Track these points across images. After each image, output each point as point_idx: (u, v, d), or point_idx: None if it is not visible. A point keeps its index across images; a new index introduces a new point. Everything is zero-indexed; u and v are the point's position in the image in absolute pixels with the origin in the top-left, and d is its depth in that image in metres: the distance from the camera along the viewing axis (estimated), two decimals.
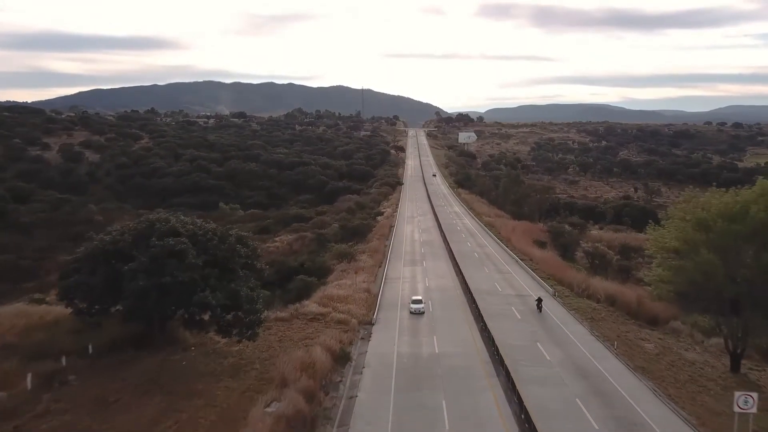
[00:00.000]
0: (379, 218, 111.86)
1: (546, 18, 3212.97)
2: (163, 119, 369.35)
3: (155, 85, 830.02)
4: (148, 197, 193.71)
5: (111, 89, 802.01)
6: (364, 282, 58.25)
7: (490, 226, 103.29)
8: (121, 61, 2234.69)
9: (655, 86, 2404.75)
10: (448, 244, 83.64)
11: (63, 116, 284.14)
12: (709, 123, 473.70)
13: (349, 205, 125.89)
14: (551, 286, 59.28)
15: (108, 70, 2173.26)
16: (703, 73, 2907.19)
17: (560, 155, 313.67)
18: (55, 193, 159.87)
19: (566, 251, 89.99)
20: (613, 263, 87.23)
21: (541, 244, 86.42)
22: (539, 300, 50.94)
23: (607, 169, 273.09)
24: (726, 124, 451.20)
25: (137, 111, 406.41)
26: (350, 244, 79.42)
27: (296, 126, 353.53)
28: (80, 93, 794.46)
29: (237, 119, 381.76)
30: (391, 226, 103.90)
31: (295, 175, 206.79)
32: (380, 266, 69.62)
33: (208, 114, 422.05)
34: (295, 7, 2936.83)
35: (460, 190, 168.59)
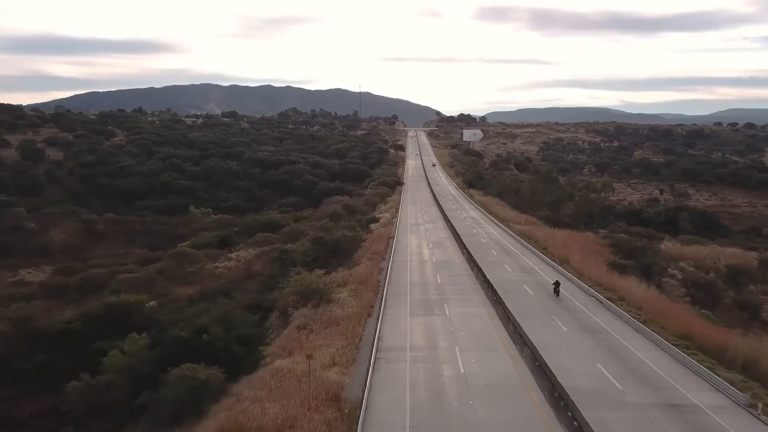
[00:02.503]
0: (373, 226, 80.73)
1: (544, 21, 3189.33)
2: (150, 118, 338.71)
3: (151, 88, 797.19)
4: (111, 199, 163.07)
5: (106, 92, 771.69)
6: (330, 370, 27.10)
7: (527, 238, 72.06)
8: (118, 65, 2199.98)
9: (653, 90, 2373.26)
10: (479, 268, 52.41)
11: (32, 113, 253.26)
12: (719, 124, 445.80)
13: (335, 209, 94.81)
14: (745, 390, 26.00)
15: (106, 73, 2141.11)
16: (701, 76, 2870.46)
17: (571, 155, 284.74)
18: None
19: (649, 276, 58.71)
20: (722, 296, 56.34)
21: (619, 268, 55.16)
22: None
23: (626, 169, 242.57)
24: (737, 125, 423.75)
25: (123, 110, 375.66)
26: (324, 271, 48.04)
27: (289, 125, 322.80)
28: (76, 96, 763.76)
29: (227, 118, 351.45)
30: (390, 238, 72.83)
31: (280, 175, 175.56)
32: (368, 316, 38.34)
33: (198, 114, 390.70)
34: (293, 10, 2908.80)
35: (472, 191, 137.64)
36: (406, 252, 64.17)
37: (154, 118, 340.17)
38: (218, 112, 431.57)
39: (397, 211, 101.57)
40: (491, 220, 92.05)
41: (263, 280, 52.18)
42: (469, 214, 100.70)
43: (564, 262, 56.43)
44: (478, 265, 52.88)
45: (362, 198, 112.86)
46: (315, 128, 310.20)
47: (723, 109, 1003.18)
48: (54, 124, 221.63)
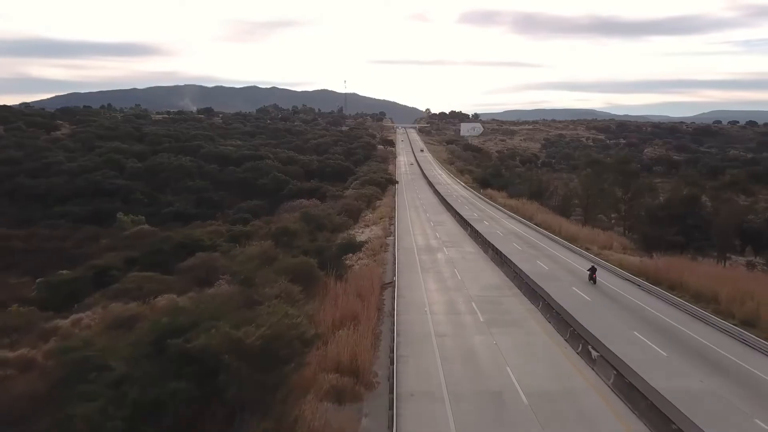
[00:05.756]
0: (352, 259, 41.65)
1: (530, 25, 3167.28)
2: (115, 114, 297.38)
3: (134, 89, 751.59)
4: (27, 203, 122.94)
5: (87, 93, 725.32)
6: None
7: (671, 289, 33.54)
8: (108, 68, 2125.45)
9: (639, 92, 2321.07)
10: None
11: None
12: (718, 122, 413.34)
13: (289, 221, 55.52)
14: None
15: (93, 76, 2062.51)
16: (685, 79, 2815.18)
17: (578, 152, 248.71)
18: None
19: None
20: None
21: None
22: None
23: (645, 167, 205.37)
24: (738, 122, 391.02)
25: (90, 106, 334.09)
26: None
27: (267, 120, 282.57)
28: (57, 97, 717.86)
29: (202, 115, 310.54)
30: (384, 286, 34.40)
31: (242, 173, 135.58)
32: None
33: (170, 111, 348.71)
34: (280, 14, 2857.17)
35: (489, 191, 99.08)
36: (429, 346, 25.45)
37: (120, 114, 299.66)
38: (193, 109, 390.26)
39: (392, 223, 62.80)
40: (553, 240, 53.33)
41: None
42: (505, 227, 61.96)
43: None
44: None
45: (340, 202, 74.01)
46: (295, 124, 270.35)
47: (706, 111, 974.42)
48: None
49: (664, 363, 22.86)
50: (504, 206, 79.36)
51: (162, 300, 37.84)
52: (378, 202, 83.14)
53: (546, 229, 58.74)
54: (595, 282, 36.86)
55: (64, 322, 36.65)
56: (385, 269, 40.39)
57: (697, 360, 23.43)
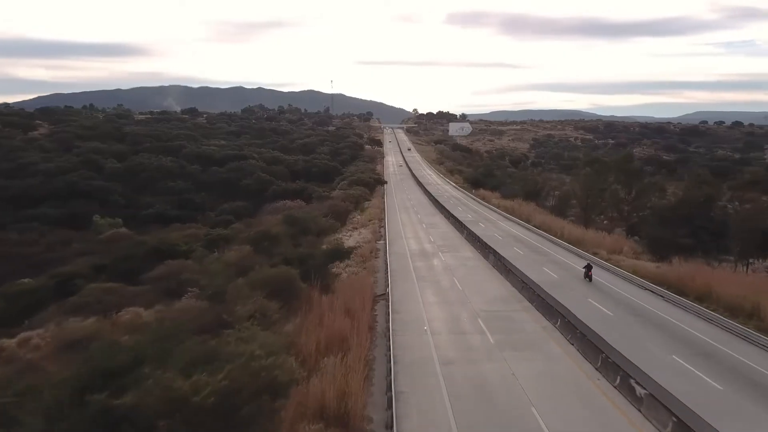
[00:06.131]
0: (340, 267, 37.17)
1: (517, 26, 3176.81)
2: (97, 114, 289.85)
3: (118, 90, 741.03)
4: (1, 205, 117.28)
5: (71, 94, 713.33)
6: None
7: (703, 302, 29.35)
8: (90, 68, 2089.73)
9: (624, 93, 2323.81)
10: None
11: None
12: (704, 122, 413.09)
13: (271, 224, 50.91)
14: None
15: (76, 76, 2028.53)
16: (669, 80, 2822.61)
17: (567, 152, 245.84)
18: None
19: None
20: None
21: None
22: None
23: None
24: (724, 123, 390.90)
25: (71, 107, 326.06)
26: None
27: (252, 120, 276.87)
28: (39, 98, 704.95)
29: (186, 115, 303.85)
30: (376, 299, 29.94)
31: (225, 173, 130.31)
32: None
33: (153, 111, 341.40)
34: (267, 15, 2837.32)
35: (482, 191, 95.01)
36: (433, 378, 20.89)
37: (102, 115, 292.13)
38: (177, 109, 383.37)
39: (382, 226, 58.41)
40: (556, 244, 49.16)
41: None
42: (503, 229, 57.74)
43: None
44: None
45: (326, 203, 69.33)
46: (281, 124, 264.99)
47: (690, 111, 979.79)
48: None
49: (725, 401, 18.56)
50: (499, 207, 75.21)
51: (126, 314, 33.48)
52: (366, 203, 78.65)
53: (546, 232, 54.62)
54: (590, 280, 35.13)
55: (9, 343, 32.14)
56: (376, 278, 35.95)
57: (759, 393, 19.21)
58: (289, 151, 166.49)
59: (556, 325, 26.14)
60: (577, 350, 23.09)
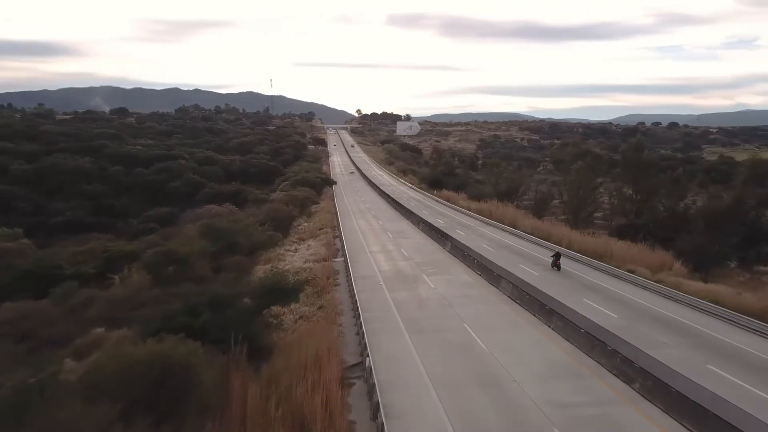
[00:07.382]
0: (281, 309, 23.48)
1: (456, 29, 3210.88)
2: (15, 114, 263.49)
3: (45, 91, 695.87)
4: None
5: None
6: None
7: None
8: (12, 68, 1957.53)
9: (560, 96, 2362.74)
10: None
11: None
12: (642, 123, 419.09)
13: (167, 248, 36.49)
14: None
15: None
16: (604, 84, 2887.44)
17: (514, 153, 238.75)
18: None
19: None
20: None
21: None
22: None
23: None
24: (660, 124, 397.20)
25: None
26: None
27: (186, 120, 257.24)
28: None
29: (114, 115, 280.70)
30: (342, 389, 16.20)
31: (151, 175, 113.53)
32: None
33: (77, 111, 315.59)
34: (201, 14, 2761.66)
35: (445, 192, 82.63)
36: None
37: (20, 114, 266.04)
38: (106, 109, 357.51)
39: (336, 235, 44.93)
40: (573, 258, 36.82)
41: None
42: (488, 237, 45.11)
43: None
44: None
45: (265, 207, 55.19)
46: (217, 123, 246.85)
47: (623, 114, 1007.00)
48: None
49: None
50: (471, 210, 62.86)
51: None
52: (314, 207, 64.93)
53: (546, 240, 42.45)
54: (559, 269, 32.60)
55: None
56: (341, 327, 22.52)
57: None
58: (225, 151, 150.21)
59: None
60: None
